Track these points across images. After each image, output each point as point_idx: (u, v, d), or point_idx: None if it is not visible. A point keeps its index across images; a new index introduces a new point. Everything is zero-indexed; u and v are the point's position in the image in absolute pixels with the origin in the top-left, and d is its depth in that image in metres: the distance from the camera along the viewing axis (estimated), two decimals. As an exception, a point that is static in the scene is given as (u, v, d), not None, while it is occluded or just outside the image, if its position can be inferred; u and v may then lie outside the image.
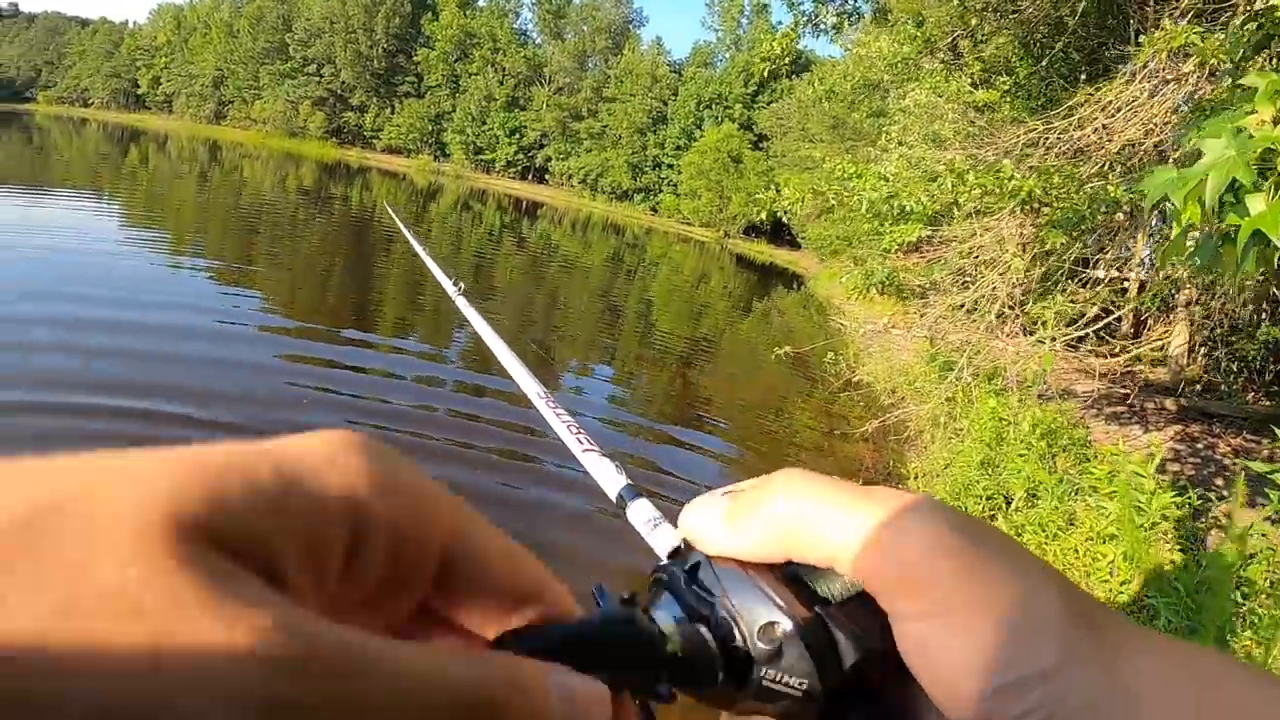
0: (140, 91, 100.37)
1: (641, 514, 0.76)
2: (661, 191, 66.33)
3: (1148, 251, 7.69)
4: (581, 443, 1.08)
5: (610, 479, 0.92)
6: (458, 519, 0.24)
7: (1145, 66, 5.28)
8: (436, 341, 11.05)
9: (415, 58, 78.03)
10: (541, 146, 73.94)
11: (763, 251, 52.22)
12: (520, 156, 74.66)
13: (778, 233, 53.39)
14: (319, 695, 0.17)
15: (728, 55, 69.69)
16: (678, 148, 64.93)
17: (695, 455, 8.31)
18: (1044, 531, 5.17)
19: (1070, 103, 6.00)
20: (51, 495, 0.17)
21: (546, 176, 74.46)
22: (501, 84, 74.00)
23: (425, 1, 79.56)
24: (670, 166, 65.59)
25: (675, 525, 0.36)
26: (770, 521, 0.33)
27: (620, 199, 68.30)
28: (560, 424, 1.16)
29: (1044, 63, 7.55)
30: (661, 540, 0.70)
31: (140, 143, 53.22)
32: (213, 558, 0.17)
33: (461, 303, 1.97)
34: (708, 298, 24.67)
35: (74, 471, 0.17)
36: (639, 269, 29.18)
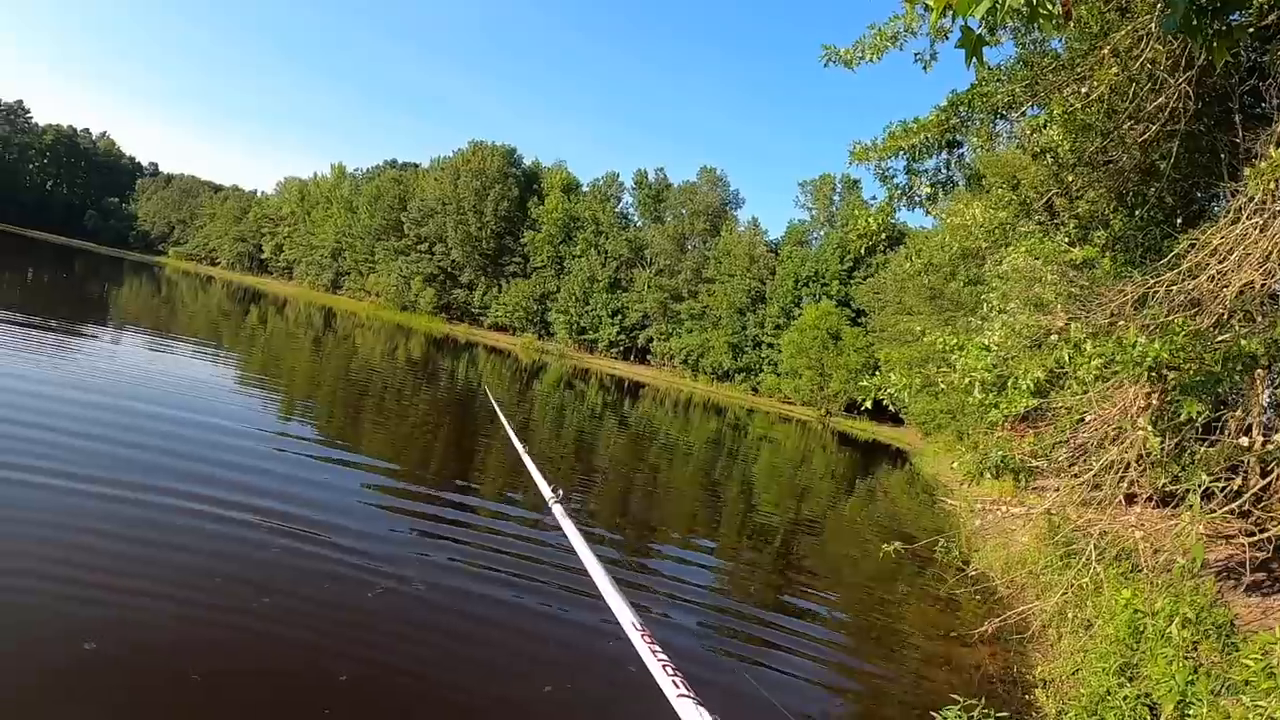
0: (264, 256, 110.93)
1: None
2: (762, 371, 67.43)
3: (1267, 395, 7.05)
4: (678, 686, 1.03)
5: None
6: None
7: (1251, 200, 4.97)
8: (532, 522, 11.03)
9: (522, 239, 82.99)
10: (644, 327, 76.63)
11: (865, 429, 52.01)
12: (622, 337, 77.43)
13: (880, 408, 52.16)
14: None
15: (822, 233, 72.13)
16: (777, 327, 66.44)
17: (794, 655, 7.77)
18: (1199, 750, 4.40)
19: (1175, 250, 5.70)
20: None
21: (649, 357, 76.57)
22: (604, 265, 77.65)
23: (532, 186, 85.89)
24: (770, 346, 66.86)
25: None
26: None
27: (721, 379, 69.59)
28: (656, 662, 1.10)
29: (1139, 211, 7.35)
30: None
31: (261, 304, 58.92)
32: None
33: (558, 511, 1.96)
34: (810, 478, 24.58)
35: None
36: (740, 449, 29.44)
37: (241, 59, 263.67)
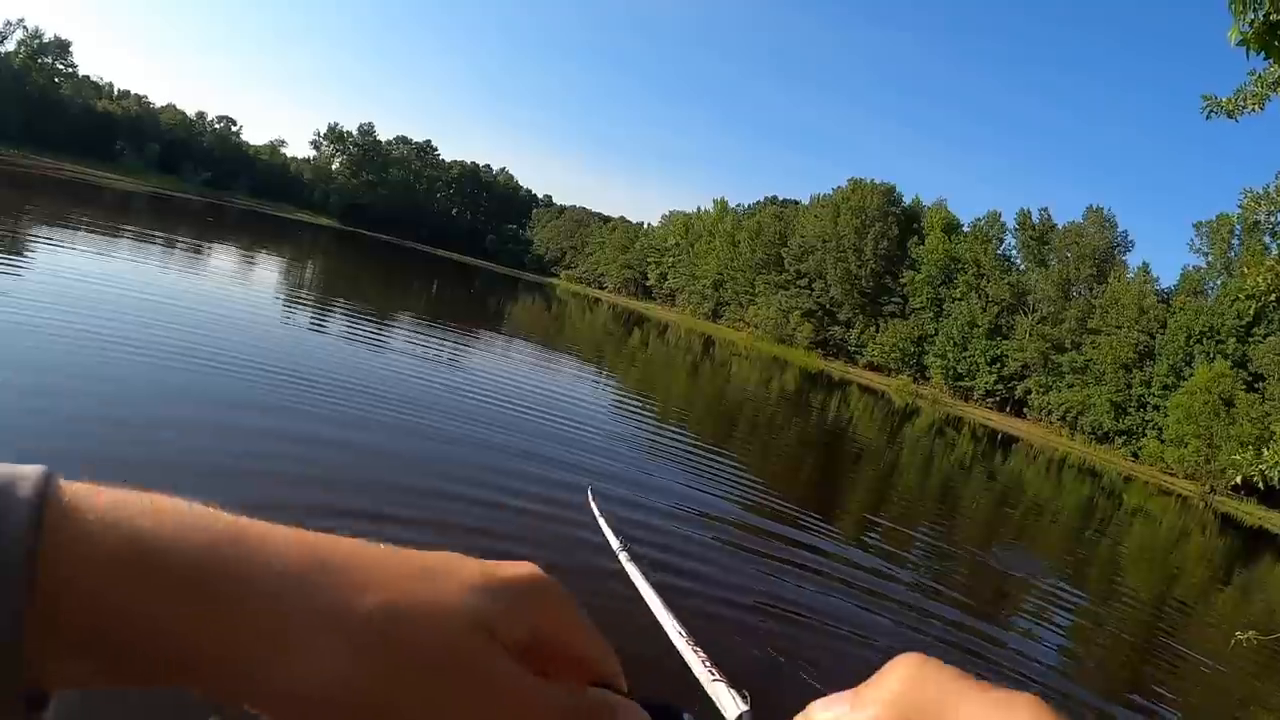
0: (648, 283, 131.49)
1: None
2: (1145, 435, 68.23)
3: None
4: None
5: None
6: (581, 640, 0.47)
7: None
8: (891, 546, 12.88)
9: (901, 279, 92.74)
10: (1022, 377, 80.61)
11: (1252, 513, 51.97)
12: (1000, 386, 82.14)
13: (1274, 493, 50.53)
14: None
15: (1218, 282, 71.08)
16: (1165, 387, 67.11)
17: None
18: None
19: None
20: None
21: (1025, 410, 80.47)
22: (984, 310, 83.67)
23: (912, 225, 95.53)
24: (1157, 408, 67.47)
25: None
26: (888, 706, 0.39)
27: (1100, 440, 71.41)
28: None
29: None
30: None
31: (643, 327, 68.51)
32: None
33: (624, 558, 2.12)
34: (1182, 561, 24.37)
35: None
36: (1112, 520, 29.99)
37: (627, 103, 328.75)
